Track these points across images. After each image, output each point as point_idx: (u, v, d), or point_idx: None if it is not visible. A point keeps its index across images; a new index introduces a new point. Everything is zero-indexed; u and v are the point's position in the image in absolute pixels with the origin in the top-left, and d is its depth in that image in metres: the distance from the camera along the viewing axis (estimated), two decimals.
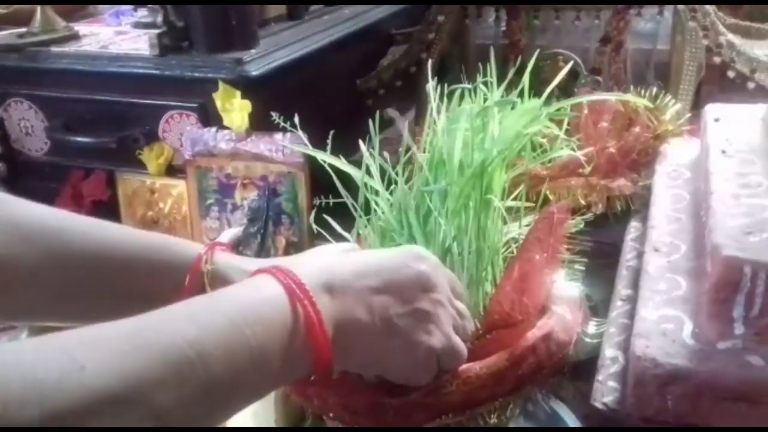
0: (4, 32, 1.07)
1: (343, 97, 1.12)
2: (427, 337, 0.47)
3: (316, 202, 0.64)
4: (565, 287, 0.60)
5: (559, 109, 0.62)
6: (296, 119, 0.65)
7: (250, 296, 0.41)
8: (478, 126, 0.58)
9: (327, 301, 0.43)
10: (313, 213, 0.64)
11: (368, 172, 0.60)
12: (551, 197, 0.80)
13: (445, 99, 0.63)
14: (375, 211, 0.60)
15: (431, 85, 0.62)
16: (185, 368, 0.35)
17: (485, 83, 0.64)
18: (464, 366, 0.50)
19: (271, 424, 0.72)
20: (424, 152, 0.60)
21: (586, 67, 1.05)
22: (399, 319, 0.46)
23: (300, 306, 0.41)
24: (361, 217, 0.60)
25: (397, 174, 0.59)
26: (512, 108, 0.60)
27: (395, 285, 0.46)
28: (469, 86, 0.63)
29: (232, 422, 0.71)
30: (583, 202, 0.83)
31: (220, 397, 0.37)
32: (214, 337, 0.37)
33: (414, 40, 1.16)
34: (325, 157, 0.61)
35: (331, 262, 0.47)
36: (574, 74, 1.04)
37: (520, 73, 0.64)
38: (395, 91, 1.15)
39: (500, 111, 0.60)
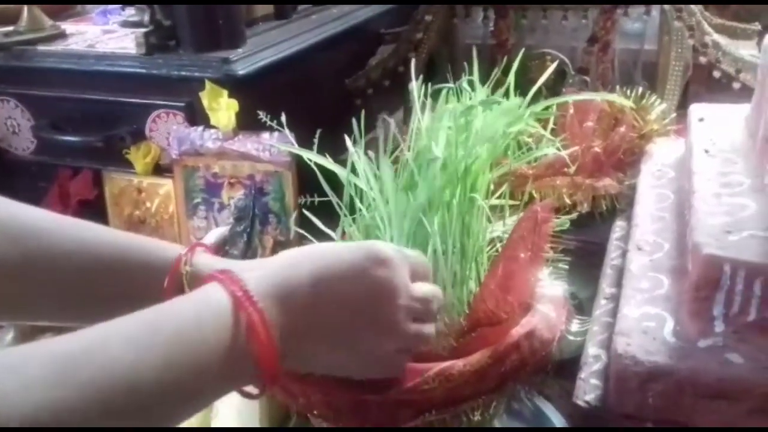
0: None
1: (331, 97, 1.11)
2: (387, 344, 0.47)
3: (301, 200, 0.65)
4: (549, 285, 0.60)
5: (545, 108, 0.62)
6: (283, 118, 0.65)
7: (195, 307, 0.42)
8: (462, 125, 0.59)
9: (275, 307, 0.43)
10: (295, 212, 0.65)
11: (354, 170, 0.60)
12: (536, 196, 0.81)
13: (433, 98, 0.63)
14: (360, 209, 0.60)
15: (415, 84, 0.62)
16: (117, 396, 0.35)
17: (471, 83, 0.64)
18: (447, 363, 0.51)
19: (255, 424, 0.72)
20: (409, 151, 0.61)
21: (573, 66, 1.06)
22: (355, 332, 0.46)
23: (243, 311, 0.41)
24: (346, 215, 0.60)
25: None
26: (498, 106, 0.61)
27: (352, 299, 0.46)
28: (454, 86, 0.64)
29: (217, 422, 0.72)
30: (568, 201, 0.83)
31: (159, 410, 0.38)
32: (153, 359, 0.37)
33: (402, 39, 1.16)
34: (311, 156, 0.61)
35: (290, 265, 0.47)
36: (561, 74, 1.04)
37: (506, 72, 0.64)
38: (384, 90, 1.15)
39: (484, 110, 0.61)
